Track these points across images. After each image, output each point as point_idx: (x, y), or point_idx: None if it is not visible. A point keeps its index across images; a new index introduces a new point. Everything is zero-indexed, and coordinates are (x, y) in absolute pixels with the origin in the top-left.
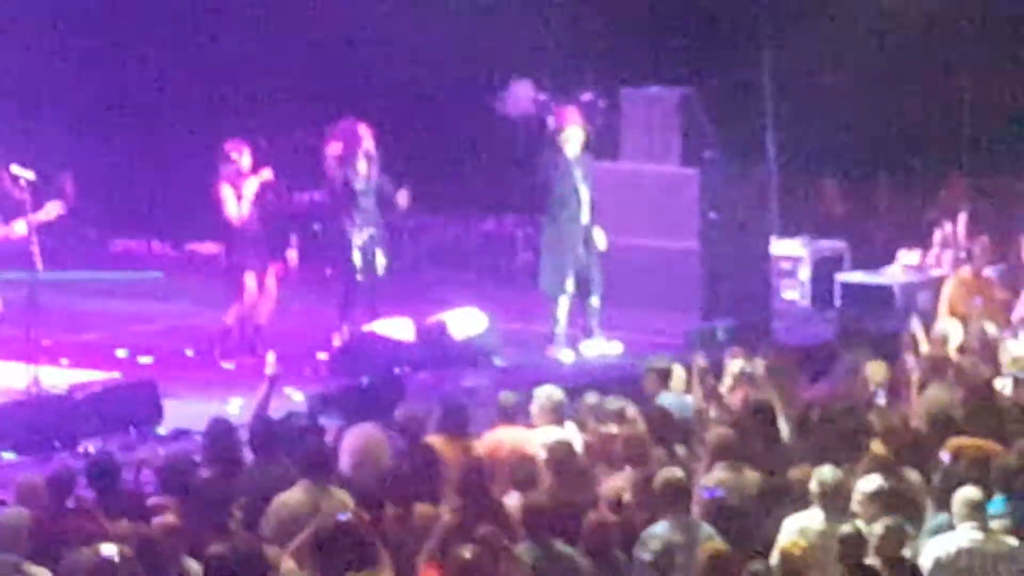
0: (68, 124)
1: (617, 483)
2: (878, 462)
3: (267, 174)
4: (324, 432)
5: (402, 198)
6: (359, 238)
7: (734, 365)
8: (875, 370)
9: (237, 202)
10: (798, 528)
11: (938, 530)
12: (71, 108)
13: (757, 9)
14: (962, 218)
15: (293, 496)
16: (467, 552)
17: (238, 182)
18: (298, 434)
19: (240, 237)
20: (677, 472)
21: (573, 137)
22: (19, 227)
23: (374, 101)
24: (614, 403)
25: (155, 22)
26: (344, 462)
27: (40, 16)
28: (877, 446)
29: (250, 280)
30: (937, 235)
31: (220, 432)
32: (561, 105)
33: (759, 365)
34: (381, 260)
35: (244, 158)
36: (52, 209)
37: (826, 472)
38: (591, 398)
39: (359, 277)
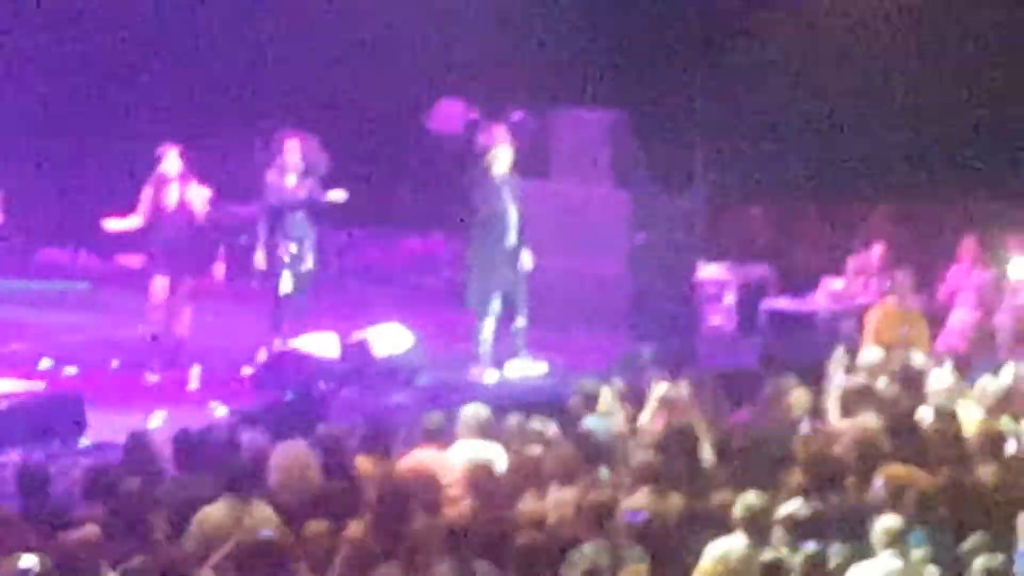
0: None
1: (540, 504)
2: (800, 489)
3: (195, 188)
4: (242, 447)
5: (335, 195)
6: (286, 252)
7: (658, 389)
8: (799, 397)
9: (149, 205)
10: (720, 553)
11: (860, 557)
12: None
13: (690, 35)
14: (879, 247)
15: (216, 510)
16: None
17: (161, 186)
18: (220, 448)
19: (155, 244)
20: (603, 494)
21: (501, 156)
22: None
23: (303, 114)
24: (538, 424)
25: (84, 30)
26: (272, 478)
27: None
28: (799, 473)
29: (159, 287)
30: (850, 263)
31: (139, 445)
32: (490, 124)
33: (683, 389)
34: (308, 271)
35: (170, 161)
36: None
37: (750, 498)
38: (515, 418)
39: (285, 291)
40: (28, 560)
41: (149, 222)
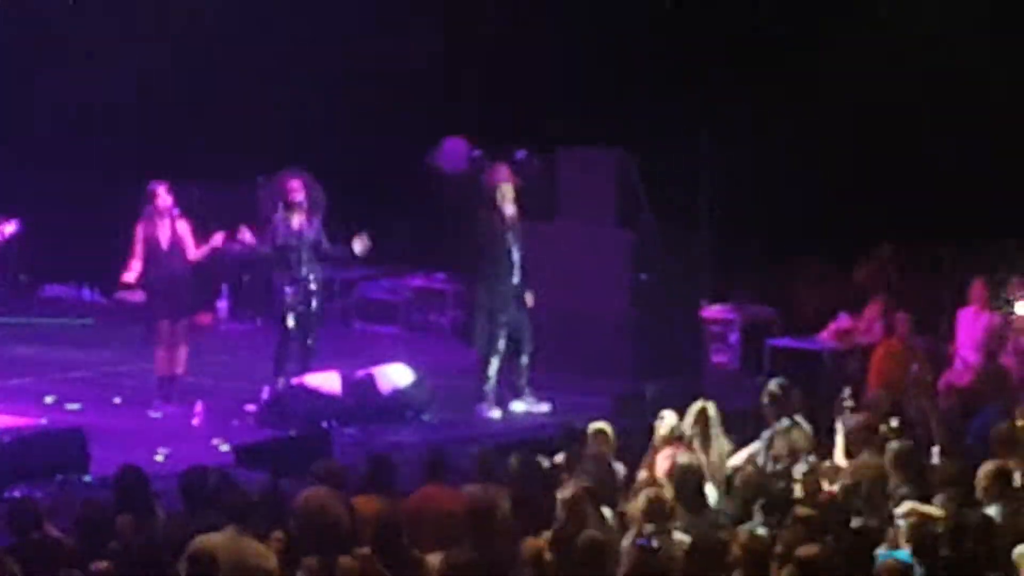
0: None
1: (537, 541)
2: (802, 526)
3: (185, 224)
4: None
5: (358, 244)
6: (290, 290)
7: (664, 427)
8: (800, 436)
9: (142, 244)
10: None
11: None
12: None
13: (696, 75)
14: (883, 287)
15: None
16: None
17: (154, 223)
18: (220, 485)
19: (149, 285)
20: (598, 534)
21: (505, 194)
22: None
23: (308, 154)
24: (541, 462)
25: (92, 70)
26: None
27: None
28: (802, 510)
29: (163, 327)
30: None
31: (131, 480)
32: (494, 162)
33: (688, 428)
34: (313, 309)
35: (160, 198)
36: (7, 228)
37: (750, 534)
38: (517, 457)
39: (289, 328)
40: None
41: (145, 260)
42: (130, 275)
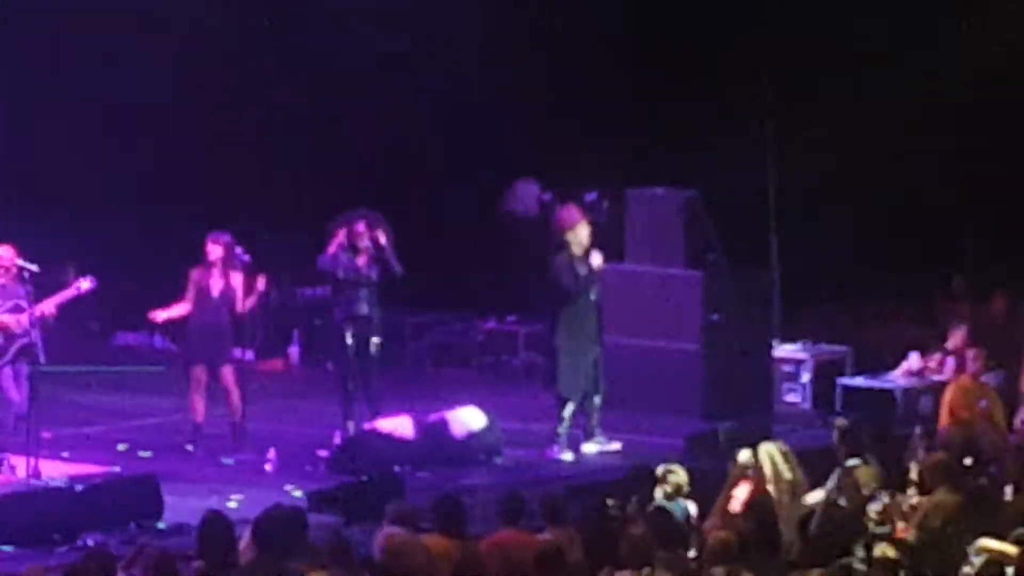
0: (72, 219)
1: None
2: (880, 564)
3: (238, 275)
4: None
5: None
6: (352, 331)
7: (739, 465)
8: (866, 474)
9: (193, 289)
10: None
11: None
12: (75, 203)
13: (762, 112)
14: (960, 325)
15: None
16: None
17: (209, 271)
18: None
19: (193, 331)
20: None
21: (581, 235)
22: (45, 308)
23: (380, 201)
24: (613, 504)
25: (162, 119)
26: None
27: (51, 115)
28: (885, 549)
29: (198, 374)
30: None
31: (215, 527)
32: (566, 205)
33: (762, 466)
34: (377, 352)
35: (213, 251)
36: (84, 284)
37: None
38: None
39: (356, 372)
40: None
41: (194, 305)
42: (162, 314)
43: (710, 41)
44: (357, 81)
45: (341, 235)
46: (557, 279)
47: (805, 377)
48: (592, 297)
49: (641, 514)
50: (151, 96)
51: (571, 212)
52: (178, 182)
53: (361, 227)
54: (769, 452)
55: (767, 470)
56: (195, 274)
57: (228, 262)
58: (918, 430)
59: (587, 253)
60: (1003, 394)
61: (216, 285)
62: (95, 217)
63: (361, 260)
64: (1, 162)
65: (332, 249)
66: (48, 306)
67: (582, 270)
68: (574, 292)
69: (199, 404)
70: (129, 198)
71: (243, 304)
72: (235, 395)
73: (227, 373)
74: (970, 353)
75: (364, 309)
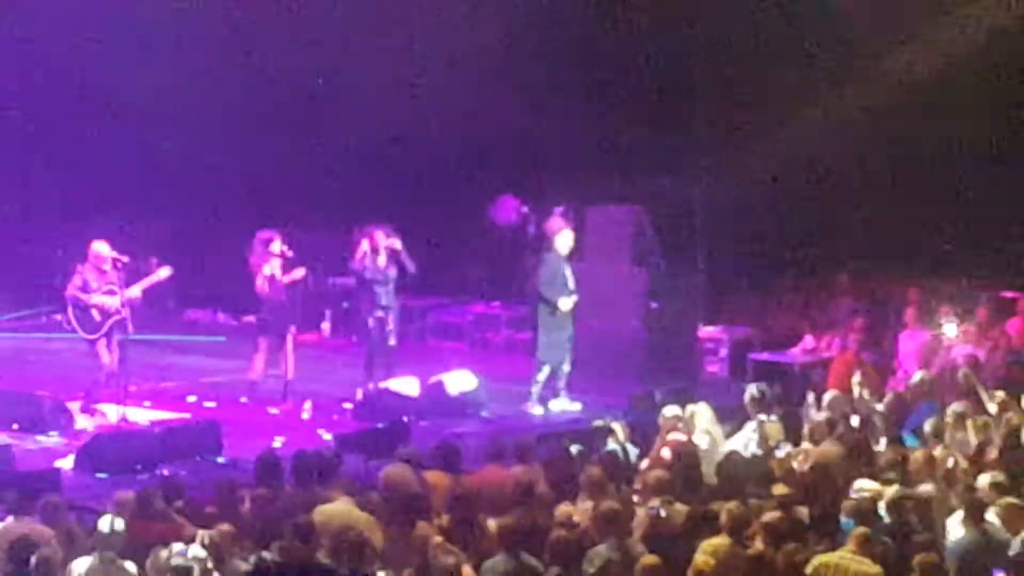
0: (151, 217)
1: (568, 509)
2: (779, 500)
3: (299, 272)
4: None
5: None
6: (375, 317)
7: (668, 419)
8: (772, 429)
9: (264, 278)
10: (710, 549)
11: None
12: (154, 204)
13: (693, 145)
14: (840, 311)
15: (336, 510)
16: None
17: (264, 261)
18: (328, 464)
19: (265, 306)
20: (615, 504)
21: (567, 239)
22: (132, 292)
23: (395, 208)
24: (573, 448)
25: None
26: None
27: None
28: (779, 487)
29: (263, 342)
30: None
31: (268, 460)
32: (548, 214)
33: (688, 421)
34: (392, 333)
35: (275, 244)
36: (163, 272)
37: (733, 505)
38: (555, 443)
39: (374, 345)
40: (193, 549)
41: (262, 291)
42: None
43: (650, 79)
44: (371, 110)
45: (366, 242)
46: (547, 273)
47: (723, 352)
48: (571, 284)
49: (596, 457)
50: (225, 114)
51: (557, 221)
52: (234, 190)
53: (381, 236)
54: (695, 410)
55: (694, 423)
56: (256, 261)
57: (285, 254)
58: (811, 396)
59: (571, 253)
60: (877, 367)
61: (279, 272)
62: (171, 216)
63: (382, 262)
64: (100, 176)
65: (360, 255)
66: (135, 290)
67: (566, 267)
68: (560, 283)
69: (260, 365)
70: (200, 205)
71: (299, 287)
72: (291, 360)
73: (289, 342)
74: (850, 336)
75: (384, 300)
